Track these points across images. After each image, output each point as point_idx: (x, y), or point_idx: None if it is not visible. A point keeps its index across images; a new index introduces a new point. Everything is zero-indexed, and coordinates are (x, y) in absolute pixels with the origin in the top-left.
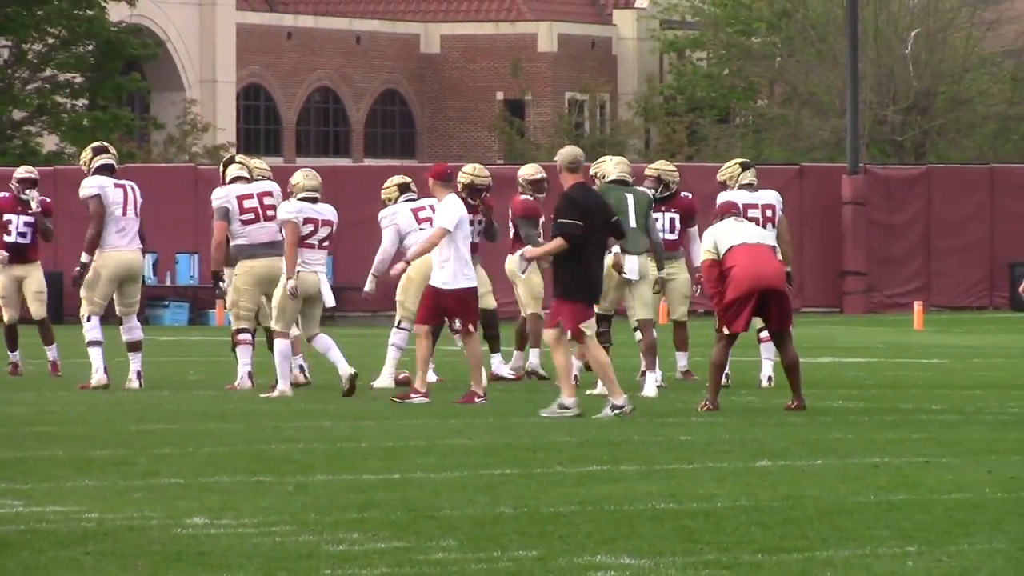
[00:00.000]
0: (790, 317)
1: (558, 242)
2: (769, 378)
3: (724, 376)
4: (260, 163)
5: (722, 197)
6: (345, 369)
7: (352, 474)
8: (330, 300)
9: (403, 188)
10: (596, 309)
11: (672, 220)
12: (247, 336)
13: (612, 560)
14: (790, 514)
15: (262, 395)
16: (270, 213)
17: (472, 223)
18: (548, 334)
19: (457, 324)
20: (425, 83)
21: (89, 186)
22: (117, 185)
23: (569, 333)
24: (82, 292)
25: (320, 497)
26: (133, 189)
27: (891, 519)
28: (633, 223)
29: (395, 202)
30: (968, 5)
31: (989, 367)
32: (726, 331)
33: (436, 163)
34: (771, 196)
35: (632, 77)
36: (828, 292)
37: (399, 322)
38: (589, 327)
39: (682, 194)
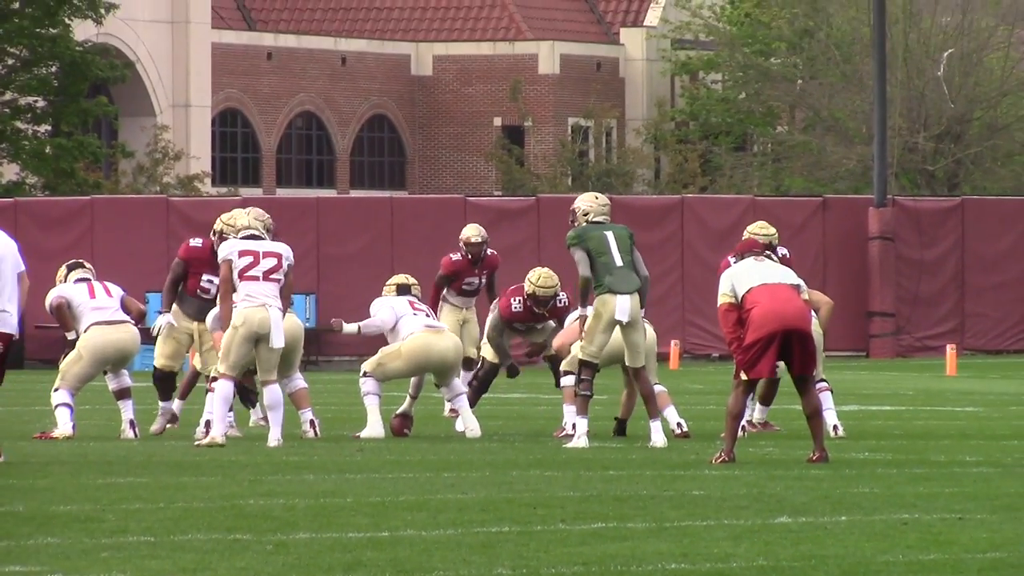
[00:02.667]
0: (814, 360)
1: None
2: (835, 427)
3: (741, 427)
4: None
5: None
6: (274, 437)
7: (337, 532)
8: (279, 340)
9: (402, 290)
10: (581, 355)
11: None
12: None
13: None
14: (812, 575)
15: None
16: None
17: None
18: None
19: None
20: (416, 108)
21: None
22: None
23: None
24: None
25: (302, 557)
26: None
27: None
28: (619, 261)
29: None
30: (1006, 24)
31: None
32: (744, 377)
33: None
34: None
35: (641, 101)
36: (853, 334)
37: (364, 372)
38: None
39: (780, 252)
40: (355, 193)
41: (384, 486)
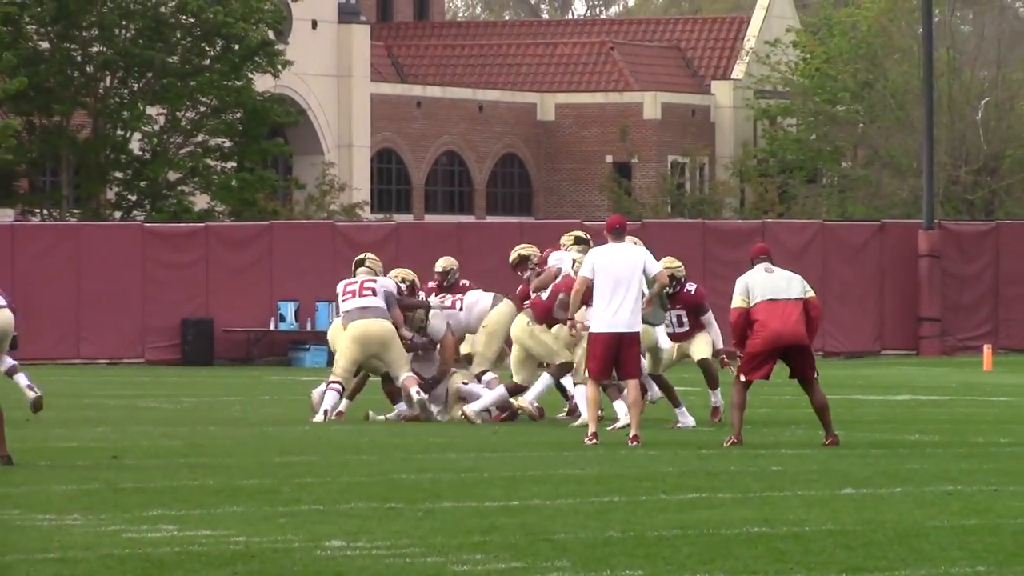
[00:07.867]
0: (811, 365)
1: None
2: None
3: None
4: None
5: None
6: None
7: (475, 501)
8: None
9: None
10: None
11: (679, 317)
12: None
13: None
14: (872, 537)
15: None
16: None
17: None
18: None
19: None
20: (541, 147)
21: None
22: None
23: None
24: None
25: (446, 522)
26: None
27: (963, 542)
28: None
29: None
30: None
31: None
32: (743, 378)
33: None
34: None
35: (729, 142)
36: (906, 336)
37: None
38: None
39: (686, 288)
40: (490, 219)
41: (515, 463)
